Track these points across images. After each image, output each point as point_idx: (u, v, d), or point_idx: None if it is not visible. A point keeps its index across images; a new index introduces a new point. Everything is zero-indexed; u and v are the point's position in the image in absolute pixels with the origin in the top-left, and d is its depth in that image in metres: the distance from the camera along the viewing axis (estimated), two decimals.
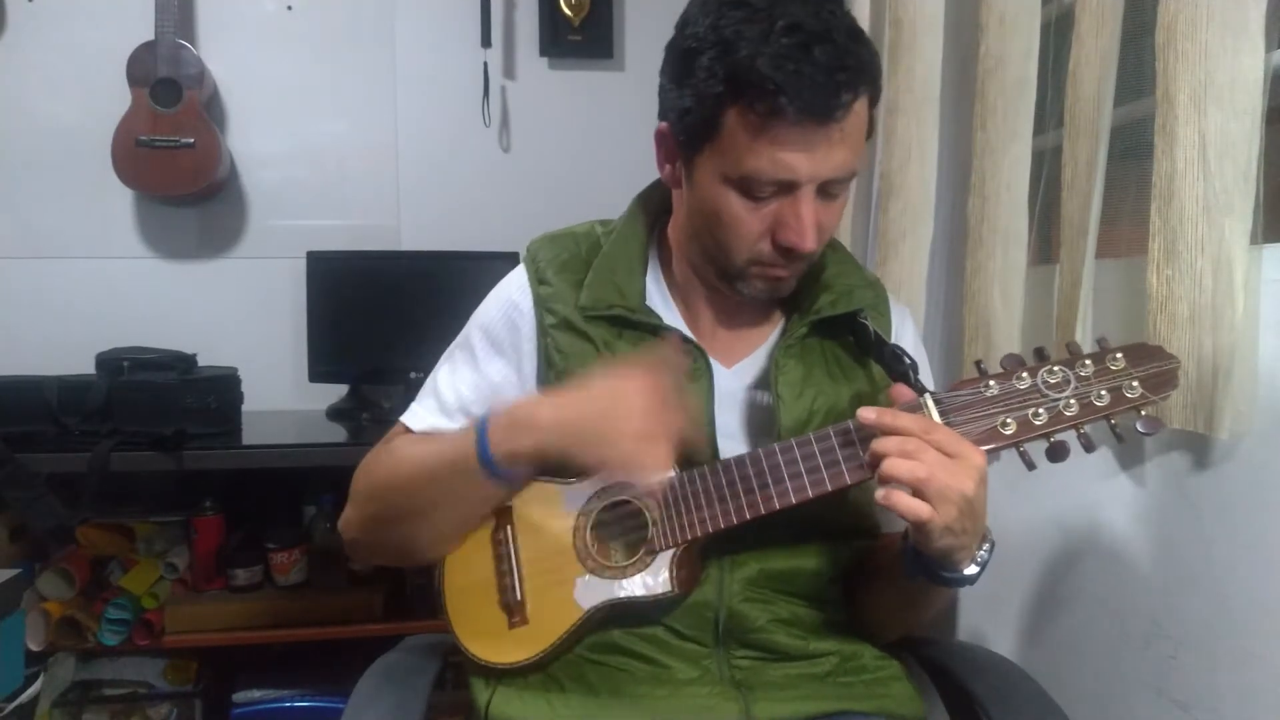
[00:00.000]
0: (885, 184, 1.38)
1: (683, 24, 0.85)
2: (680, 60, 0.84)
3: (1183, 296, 0.86)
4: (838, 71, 0.77)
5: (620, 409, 0.80)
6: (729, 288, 0.91)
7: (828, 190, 0.83)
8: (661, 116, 0.89)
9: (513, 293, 0.98)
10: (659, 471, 0.80)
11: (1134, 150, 1.09)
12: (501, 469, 0.85)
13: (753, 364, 0.96)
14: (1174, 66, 0.85)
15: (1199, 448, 0.90)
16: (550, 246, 0.99)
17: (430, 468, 0.90)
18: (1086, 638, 1.08)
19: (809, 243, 0.83)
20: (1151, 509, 0.97)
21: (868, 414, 0.77)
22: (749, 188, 0.82)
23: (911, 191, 1.34)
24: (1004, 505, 1.18)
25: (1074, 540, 1.11)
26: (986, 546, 0.81)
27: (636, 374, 0.82)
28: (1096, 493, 1.05)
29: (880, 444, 0.76)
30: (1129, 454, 1.00)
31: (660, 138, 0.90)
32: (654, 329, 0.92)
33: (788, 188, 0.81)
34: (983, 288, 1.19)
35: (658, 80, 0.89)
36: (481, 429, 0.85)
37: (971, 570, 0.80)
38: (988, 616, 1.29)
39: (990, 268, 1.18)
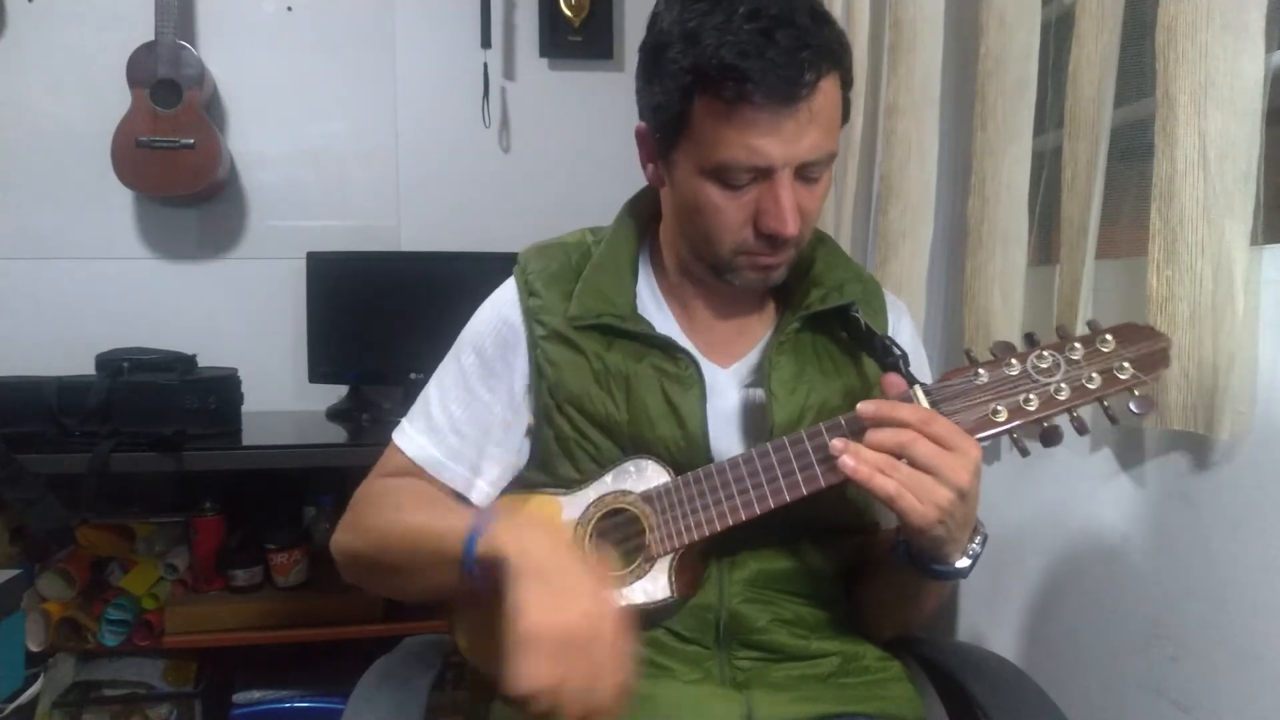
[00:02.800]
0: (885, 185, 1.38)
1: (652, 21, 0.86)
2: (650, 56, 0.85)
3: (1183, 297, 0.86)
4: (800, 51, 0.77)
5: (586, 606, 0.70)
6: (720, 280, 0.91)
7: (806, 174, 0.83)
8: (640, 116, 0.89)
9: (502, 307, 0.98)
10: (530, 683, 0.67)
11: (1134, 151, 1.09)
12: (479, 573, 0.78)
13: (748, 363, 0.96)
14: (1174, 67, 0.85)
15: (1199, 448, 0.90)
16: (539, 257, 0.98)
17: (417, 544, 0.86)
18: (1086, 638, 1.08)
19: (790, 227, 0.82)
20: (1151, 509, 0.97)
21: (867, 407, 0.77)
22: (725, 177, 0.82)
23: (911, 192, 1.34)
24: (1004, 506, 1.18)
25: (1074, 541, 1.11)
26: (979, 539, 0.81)
27: (622, 624, 0.72)
28: (1096, 493, 1.05)
29: (874, 436, 0.76)
30: (1129, 454, 1.00)
31: (640, 137, 0.91)
32: (645, 338, 0.92)
33: (764, 174, 0.81)
34: (983, 288, 1.19)
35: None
36: (474, 533, 0.79)
37: (963, 563, 0.80)
38: (988, 617, 1.29)
39: (990, 269, 1.18)
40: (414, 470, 0.98)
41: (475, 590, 0.79)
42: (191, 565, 1.85)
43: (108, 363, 1.78)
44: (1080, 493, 1.08)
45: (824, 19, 0.81)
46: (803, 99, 0.78)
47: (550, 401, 0.93)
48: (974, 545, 0.81)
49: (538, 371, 0.94)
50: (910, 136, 1.33)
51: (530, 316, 0.95)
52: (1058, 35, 1.21)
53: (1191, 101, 0.84)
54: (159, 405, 1.72)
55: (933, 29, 1.31)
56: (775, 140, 0.79)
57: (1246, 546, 0.85)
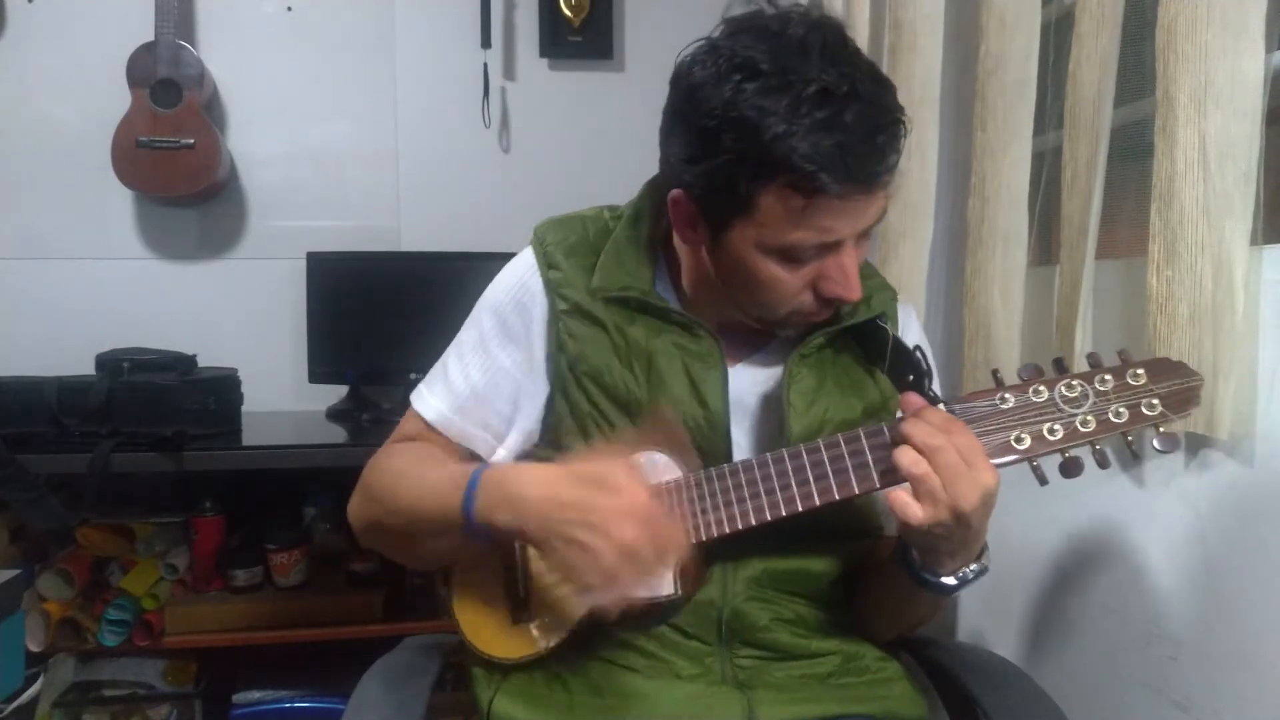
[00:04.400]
0: None
1: (688, 90, 0.79)
2: (696, 138, 0.79)
3: (1183, 297, 0.86)
4: (878, 134, 0.75)
5: (613, 509, 0.74)
6: (765, 330, 0.91)
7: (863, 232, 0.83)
8: (674, 184, 0.84)
9: (523, 274, 0.96)
10: (638, 590, 0.76)
11: (1134, 151, 1.09)
12: (480, 530, 0.81)
13: (758, 363, 0.95)
14: (1174, 67, 0.85)
15: (1199, 448, 0.90)
16: (558, 229, 0.97)
17: (420, 502, 0.88)
18: (1086, 638, 1.08)
19: (855, 293, 0.82)
20: (1151, 509, 0.97)
21: (913, 401, 0.77)
22: (791, 255, 0.80)
23: (911, 192, 1.34)
24: (1003, 506, 1.18)
25: (1074, 541, 1.11)
26: (975, 567, 0.80)
27: (637, 483, 0.76)
28: (1096, 493, 1.05)
29: (908, 427, 0.75)
30: (1129, 454, 1.00)
31: (677, 206, 0.85)
32: (667, 314, 0.90)
33: (831, 247, 0.80)
34: (983, 288, 1.19)
35: (660, 91, 0.84)
36: (472, 485, 0.81)
37: (948, 580, 0.80)
38: (988, 616, 1.29)
39: (990, 268, 1.18)
40: (430, 435, 0.97)
41: (473, 541, 0.82)
42: (191, 565, 1.85)
43: (108, 363, 1.78)
44: (1080, 493, 1.07)
45: (881, 79, 0.79)
46: (883, 183, 0.78)
47: (569, 374, 0.92)
48: (967, 570, 0.80)
49: (558, 344, 0.93)
50: (910, 137, 1.33)
51: (551, 289, 0.93)
52: (1058, 35, 1.21)
53: (1191, 101, 0.84)
54: (159, 405, 1.72)
55: (933, 29, 1.31)
56: (848, 219, 0.78)
57: (1246, 547, 0.85)
